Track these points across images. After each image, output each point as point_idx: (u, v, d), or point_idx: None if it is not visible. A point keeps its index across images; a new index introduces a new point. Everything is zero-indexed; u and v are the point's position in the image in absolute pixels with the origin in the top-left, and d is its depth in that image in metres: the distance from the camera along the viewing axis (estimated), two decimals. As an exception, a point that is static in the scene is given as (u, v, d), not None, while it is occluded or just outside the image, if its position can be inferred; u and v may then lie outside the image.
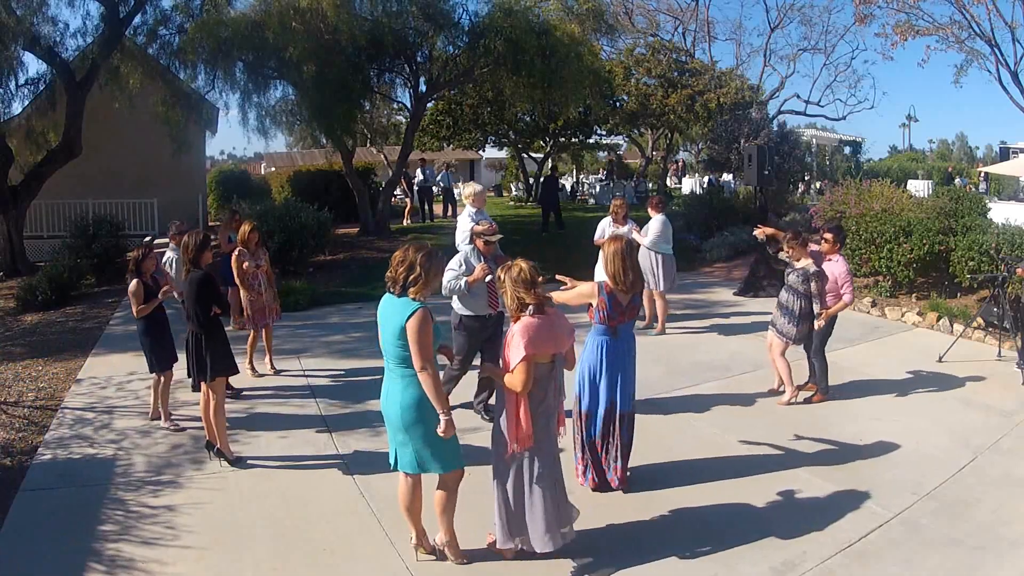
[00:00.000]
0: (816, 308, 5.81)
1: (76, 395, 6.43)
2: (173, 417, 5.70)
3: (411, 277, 3.34)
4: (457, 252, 5.61)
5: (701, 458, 4.97)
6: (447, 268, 5.06)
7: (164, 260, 6.48)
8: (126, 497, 4.49)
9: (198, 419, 5.35)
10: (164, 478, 4.75)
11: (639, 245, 7.88)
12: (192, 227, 7.47)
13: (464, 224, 6.36)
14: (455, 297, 5.30)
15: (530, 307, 3.50)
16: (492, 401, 4.57)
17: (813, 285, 5.77)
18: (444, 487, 3.54)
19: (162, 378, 5.65)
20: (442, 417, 3.35)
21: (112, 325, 9.11)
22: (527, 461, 3.54)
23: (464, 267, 5.19)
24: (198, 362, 4.91)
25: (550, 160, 26.36)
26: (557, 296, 4.47)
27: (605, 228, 8.10)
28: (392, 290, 3.42)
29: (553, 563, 3.68)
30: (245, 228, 6.75)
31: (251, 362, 6.86)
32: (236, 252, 6.69)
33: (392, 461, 3.58)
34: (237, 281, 6.66)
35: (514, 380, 3.41)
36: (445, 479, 3.53)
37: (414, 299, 3.34)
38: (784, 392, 6.01)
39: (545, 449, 3.58)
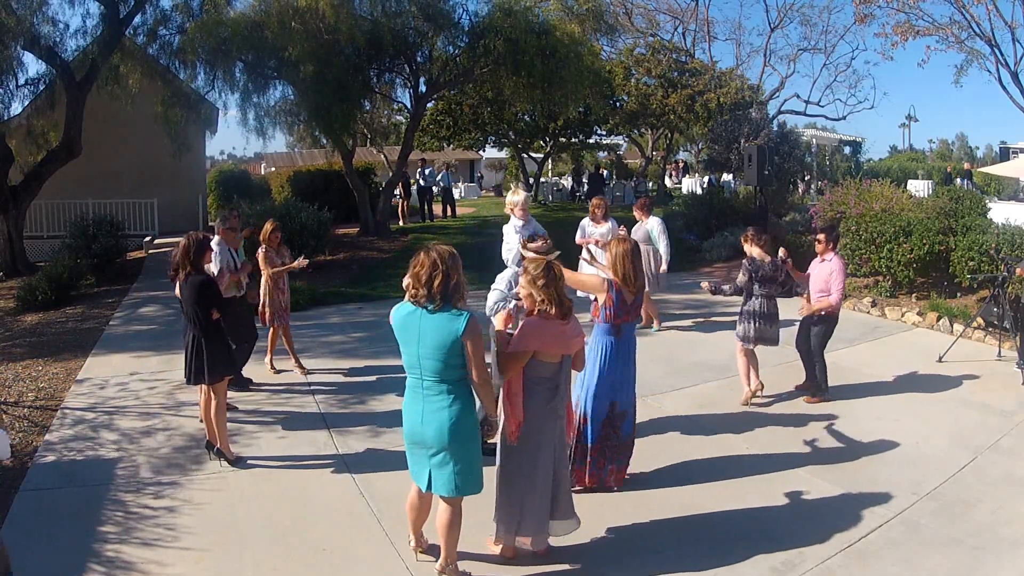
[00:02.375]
0: (752, 304, 5.84)
1: (76, 395, 6.43)
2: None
3: (452, 284, 3.12)
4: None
5: (701, 458, 4.97)
6: (492, 287, 4.71)
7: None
8: (126, 497, 4.49)
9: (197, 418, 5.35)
10: (164, 478, 4.75)
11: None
12: (245, 221, 7.40)
13: (511, 239, 5.70)
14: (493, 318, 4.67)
15: (547, 309, 3.46)
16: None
17: (739, 275, 5.88)
18: (453, 503, 3.41)
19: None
20: (492, 419, 3.41)
21: (112, 325, 9.11)
22: (530, 456, 3.54)
23: (513, 289, 4.61)
24: (198, 363, 4.91)
25: (598, 156, 26.63)
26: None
27: (584, 227, 8.02)
28: (426, 304, 3.16)
29: (552, 564, 3.68)
30: (267, 227, 6.74)
31: (271, 361, 6.91)
32: (262, 252, 6.70)
33: (426, 483, 3.38)
34: (265, 278, 6.69)
35: (505, 364, 3.46)
36: (458, 497, 3.41)
37: (462, 308, 3.17)
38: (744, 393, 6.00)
39: (548, 445, 3.58)
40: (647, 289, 8.05)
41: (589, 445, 4.38)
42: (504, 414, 3.55)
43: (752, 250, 5.93)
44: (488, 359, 3.41)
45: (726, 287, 6.04)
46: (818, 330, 6.02)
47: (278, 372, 6.93)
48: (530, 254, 4.54)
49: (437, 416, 3.23)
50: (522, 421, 3.48)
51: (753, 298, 5.86)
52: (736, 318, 6.09)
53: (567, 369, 3.61)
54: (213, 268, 6.11)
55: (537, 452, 3.55)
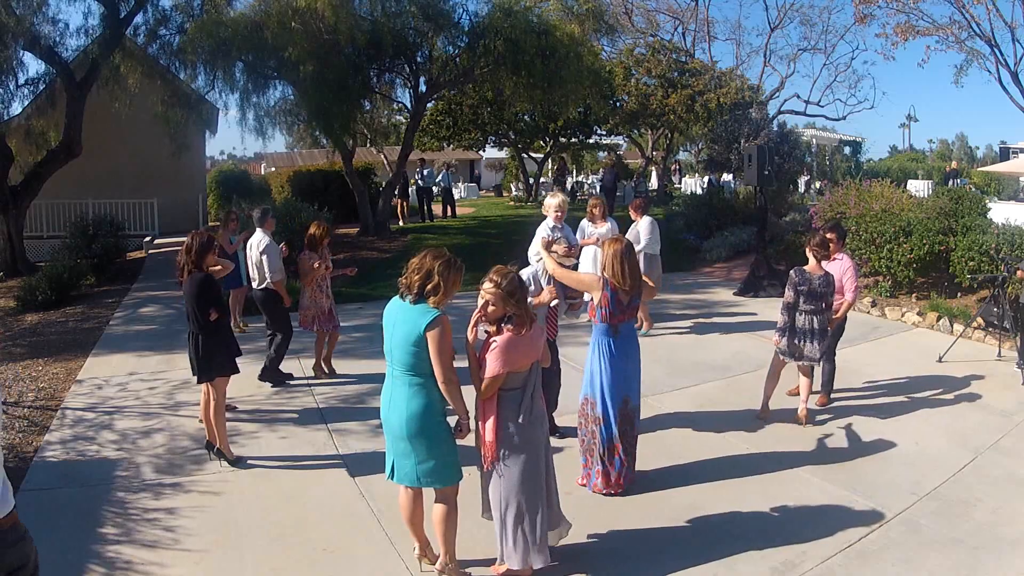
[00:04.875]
0: (798, 319, 5.49)
1: (76, 395, 6.43)
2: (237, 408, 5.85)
3: (429, 286, 3.22)
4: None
5: (701, 458, 4.96)
6: None
7: (257, 243, 6.48)
8: (126, 498, 4.49)
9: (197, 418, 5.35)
10: (164, 479, 4.76)
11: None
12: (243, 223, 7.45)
13: (537, 239, 5.88)
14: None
15: (513, 321, 3.34)
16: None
17: (786, 292, 5.53)
18: (444, 500, 3.44)
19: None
20: (463, 420, 3.34)
21: (112, 325, 9.11)
22: (518, 468, 3.40)
23: (532, 286, 4.63)
24: (198, 362, 4.91)
25: (611, 155, 26.77)
26: (556, 271, 4.43)
27: (584, 227, 7.98)
28: (405, 296, 3.31)
29: (552, 564, 3.68)
30: (321, 232, 6.75)
31: (328, 361, 6.90)
32: (305, 254, 6.67)
33: (389, 471, 3.48)
34: (302, 281, 6.70)
35: (484, 390, 3.35)
36: (445, 492, 3.44)
37: (434, 307, 3.24)
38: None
39: (533, 454, 3.45)
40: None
41: (617, 444, 4.33)
42: (481, 436, 3.42)
43: (810, 263, 5.49)
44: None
45: (783, 315, 5.52)
46: (832, 331, 5.96)
47: (328, 374, 6.88)
48: (555, 247, 4.64)
49: (399, 406, 3.33)
50: (495, 444, 3.36)
51: (799, 314, 5.43)
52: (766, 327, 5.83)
53: (537, 371, 3.50)
54: (268, 267, 6.33)
55: (525, 463, 3.41)
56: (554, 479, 3.66)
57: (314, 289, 6.68)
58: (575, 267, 5.16)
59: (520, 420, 3.39)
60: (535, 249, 5.69)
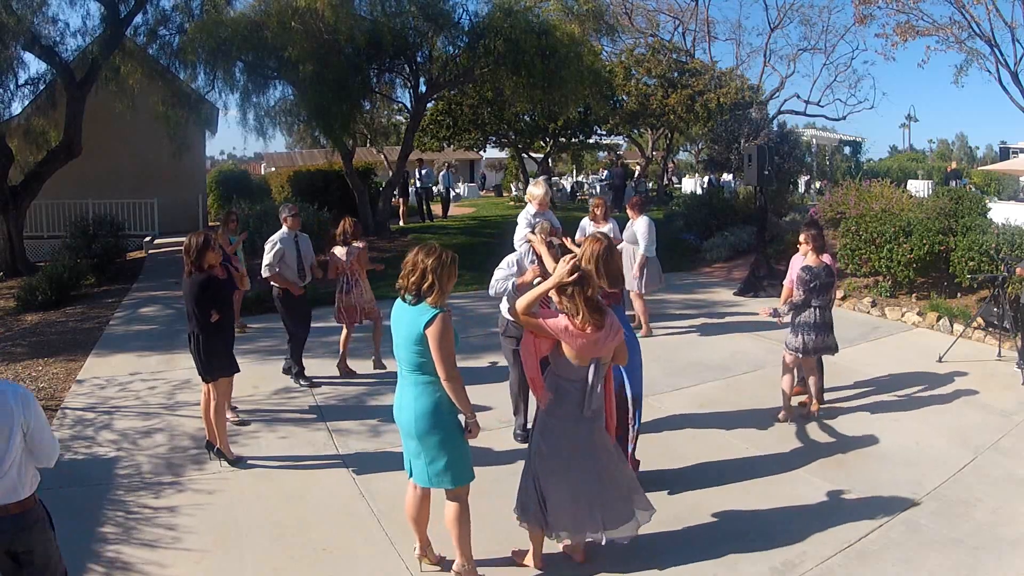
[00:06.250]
0: (811, 315, 5.52)
1: (76, 395, 6.43)
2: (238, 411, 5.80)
3: (425, 285, 3.23)
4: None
5: (701, 458, 4.97)
6: (498, 267, 4.90)
7: (273, 242, 6.52)
8: (126, 498, 4.49)
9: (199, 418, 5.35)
10: (165, 479, 4.76)
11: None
12: (244, 223, 7.48)
13: (521, 226, 6.05)
14: (503, 300, 4.92)
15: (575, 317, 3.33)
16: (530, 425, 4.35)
17: (796, 291, 5.55)
18: (456, 499, 3.43)
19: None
20: (469, 420, 3.32)
21: (112, 325, 9.11)
22: (561, 458, 3.45)
23: (516, 268, 4.90)
24: (200, 363, 4.91)
25: (615, 154, 26.88)
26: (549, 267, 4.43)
27: (584, 227, 7.97)
28: (406, 297, 3.33)
29: (553, 565, 3.68)
30: (353, 225, 6.84)
31: (351, 359, 6.98)
32: (363, 247, 6.75)
33: (408, 469, 3.51)
34: (361, 273, 6.85)
35: (528, 314, 3.36)
36: (456, 492, 3.43)
37: (432, 306, 3.25)
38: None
39: (581, 447, 3.46)
40: (637, 290, 8.07)
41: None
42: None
43: (809, 257, 5.51)
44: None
45: (783, 309, 5.55)
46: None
47: (350, 374, 6.92)
48: (530, 236, 4.84)
49: (408, 406, 3.35)
50: (542, 382, 3.43)
51: (811, 309, 5.44)
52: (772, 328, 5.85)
53: (599, 372, 3.44)
54: (267, 258, 6.36)
55: (568, 455, 3.43)
56: (604, 483, 3.52)
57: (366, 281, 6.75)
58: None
59: (570, 412, 3.41)
60: (520, 235, 5.81)
